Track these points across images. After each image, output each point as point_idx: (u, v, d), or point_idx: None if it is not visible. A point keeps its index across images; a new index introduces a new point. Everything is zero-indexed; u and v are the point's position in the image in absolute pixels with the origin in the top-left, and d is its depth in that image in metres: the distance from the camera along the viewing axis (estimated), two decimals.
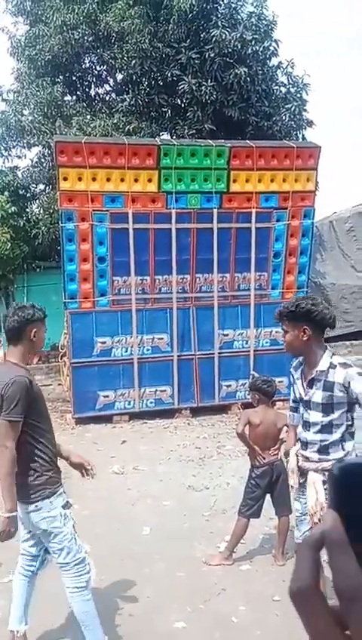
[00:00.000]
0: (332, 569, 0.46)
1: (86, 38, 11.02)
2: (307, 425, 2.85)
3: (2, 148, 12.32)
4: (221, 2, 10.97)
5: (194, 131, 10.48)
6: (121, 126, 10.64)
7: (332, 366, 2.75)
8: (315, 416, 2.79)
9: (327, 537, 0.47)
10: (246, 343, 8.63)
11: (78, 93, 12.57)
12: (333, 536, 0.47)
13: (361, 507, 0.48)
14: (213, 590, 3.50)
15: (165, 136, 11.16)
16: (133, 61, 10.54)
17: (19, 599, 2.92)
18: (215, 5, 10.75)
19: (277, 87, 11.33)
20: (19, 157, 12.72)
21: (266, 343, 8.38)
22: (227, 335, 8.61)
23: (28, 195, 12.67)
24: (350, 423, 2.81)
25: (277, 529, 3.87)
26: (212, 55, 10.16)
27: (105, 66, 12.19)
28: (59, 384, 10.49)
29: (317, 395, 2.78)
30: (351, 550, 0.46)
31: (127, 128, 10.57)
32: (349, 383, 2.69)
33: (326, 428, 2.76)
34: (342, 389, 2.71)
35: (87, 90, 12.75)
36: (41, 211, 11.66)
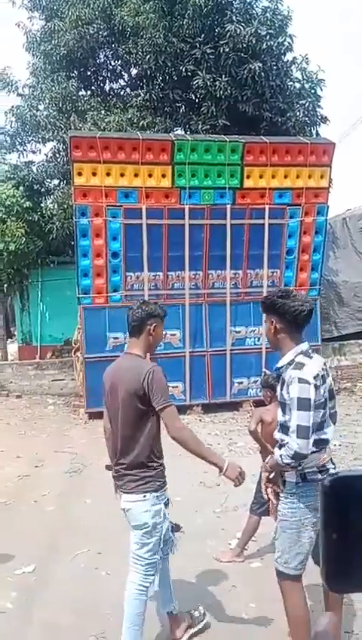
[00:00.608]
0: None
1: (101, 32, 11.01)
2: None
3: (17, 143, 12.36)
4: None
5: (208, 127, 10.43)
6: (135, 121, 10.62)
7: (290, 363, 2.62)
8: (279, 413, 2.69)
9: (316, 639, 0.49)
10: (259, 340, 8.62)
11: (93, 88, 12.56)
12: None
13: (352, 516, 0.49)
14: (223, 587, 3.53)
15: (179, 131, 11.13)
16: (148, 56, 10.51)
17: (163, 578, 2.93)
18: (229, 0, 10.67)
19: (291, 82, 11.22)
20: (33, 152, 12.76)
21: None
22: (239, 332, 8.62)
23: (42, 190, 12.71)
24: None
25: None
26: (226, 50, 10.09)
27: (119, 61, 12.17)
28: (73, 379, 10.57)
29: (278, 393, 2.69)
30: None
31: (141, 123, 10.55)
32: (289, 385, 2.54)
33: (283, 428, 2.59)
34: (286, 390, 2.58)
35: (101, 85, 12.74)
36: (56, 206, 11.69)
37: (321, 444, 2.60)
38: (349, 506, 0.48)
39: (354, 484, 0.49)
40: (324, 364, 2.72)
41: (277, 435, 2.67)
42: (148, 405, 2.68)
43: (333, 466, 2.69)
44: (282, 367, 2.65)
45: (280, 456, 2.54)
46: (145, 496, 2.72)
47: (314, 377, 2.53)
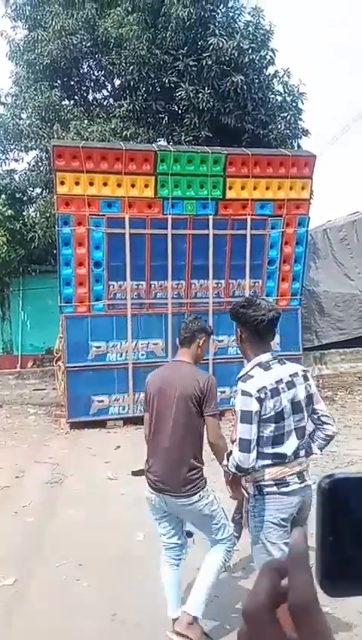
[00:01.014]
0: (289, 586, 0.47)
1: (84, 43, 11.07)
2: None
3: None
4: (218, 11, 11.05)
5: (190, 138, 10.53)
6: (118, 131, 10.67)
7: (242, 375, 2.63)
8: None
9: (290, 552, 0.49)
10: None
11: (76, 97, 12.59)
12: (293, 552, 0.49)
13: (348, 518, 0.50)
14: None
15: (162, 142, 11.21)
16: (131, 67, 10.59)
17: (175, 587, 3.09)
18: (212, 14, 10.82)
19: (273, 95, 11.39)
20: (16, 160, 12.71)
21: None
22: (222, 341, 8.65)
23: (25, 198, 12.66)
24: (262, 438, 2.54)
25: None
26: (209, 63, 10.22)
27: (103, 72, 12.23)
28: (54, 388, 10.48)
29: None
30: (308, 564, 0.48)
31: (124, 134, 10.60)
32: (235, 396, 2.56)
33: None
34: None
35: (84, 95, 12.78)
36: (38, 215, 11.65)
37: (276, 458, 2.54)
38: (346, 509, 0.50)
39: (352, 485, 0.51)
40: (292, 375, 2.62)
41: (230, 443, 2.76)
42: (201, 410, 2.94)
43: (299, 480, 2.59)
44: (241, 377, 2.64)
45: (226, 465, 2.63)
46: (200, 495, 2.94)
47: (258, 390, 2.49)
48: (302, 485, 2.61)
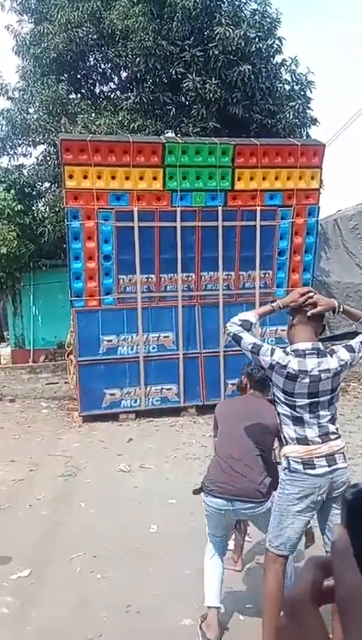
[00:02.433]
0: (335, 580, 0.48)
1: (90, 36, 11.03)
2: None
3: (8, 146, 12.36)
4: (224, 0, 10.95)
5: (198, 129, 10.48)
6: (125, 124, 10.65)
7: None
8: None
9: (332, 549, 0.49)
10: (262, 339, 8.64)
11: (83, 91, 12.58)
12: (338, 548, 0.49)
13: None
14: None
15: (170, 134, 11.16)
16: (138, 59, 10.54)
17: (219, 579, 3.14)
18: (218, 3, 10.72)
19: (281, 84, 11.30)
20: (24, 155, 12.77)
21: (271, 341, 8.35)
22: None
23: (34, 193, 12.72)
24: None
25: None
26: (216, 53, 10.14)
27: (109, 64, 12.20)
28: (66, 382, 10.56)
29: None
30: (354, 561, 0.48)
31: (131, 126, 10.58)
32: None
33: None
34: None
35: (91, 88, 12.77)
36: (47, 209, 11.70)
37: (300, 438, 2.73)
38: None
39: None
40: (322, 371, 2.72)
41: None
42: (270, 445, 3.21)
43: (328, 464, 2.70)
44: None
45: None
46: (265, 502, 3.06)
47: (279, 359, 2.70)
48: (330, 469, 2.69)
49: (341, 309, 2.86)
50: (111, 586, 3.63)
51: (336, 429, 2.81)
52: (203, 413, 8.31)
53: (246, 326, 2.80)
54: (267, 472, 3.11)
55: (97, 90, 12.81)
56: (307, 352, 2.72)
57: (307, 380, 2.68)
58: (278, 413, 2.84)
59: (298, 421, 2.72)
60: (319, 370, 2.70)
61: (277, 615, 2.73)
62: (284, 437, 2.79)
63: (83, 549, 4.14)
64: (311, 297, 2.81)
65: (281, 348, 2.81)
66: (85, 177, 7.86)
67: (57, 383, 11.34)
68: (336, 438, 2.77)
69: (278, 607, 2.74)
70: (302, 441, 2.71)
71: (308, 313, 2.77)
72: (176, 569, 3.78)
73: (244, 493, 3.02)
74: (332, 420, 2.80)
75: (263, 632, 2.76)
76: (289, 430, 2.76)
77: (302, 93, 11.11)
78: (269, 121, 10.88)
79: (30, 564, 3.93)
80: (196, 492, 3.31)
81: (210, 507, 3.14)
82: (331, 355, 2.77)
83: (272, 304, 2.94)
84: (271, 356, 2.70)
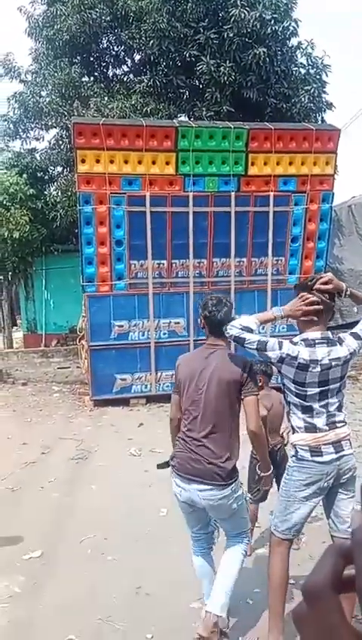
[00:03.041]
0: (356, 569, 0.47)
1: (104, 17, 10.90)
2: None
3: (20, 130, 12.32)
4: None
5: (212, 113, 10.36)
6: (138, 107, 10.56)
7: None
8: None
9: (353, 537, 0.48)
10: (263, 328, 8.60)
11: (96, 74, 12.47)
12: (359, 536, 0.48)
13: None
14: None
15: (183, 117, 11.05)
16: (151, 41, 10.41)
17: (210, 575, 2.98)
18: None
19: (296, 68, 11.11)
20: (37, 139, 12.72)
21: (283, 328, 8.34)
22: None
23: (46, 177, 12.68)
24: None
25: None
26: (231, 35, 9.99)
27: (122, 47, 12.06)
28: (78, 367, 10.62)
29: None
30: None
31: (144, 110, 10.48)
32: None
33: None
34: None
35: (104, 71, 12.65)
36: (59, 194, 11.67)
37: (308, 426, 2.73)
38: None
39: None
40: (333, 359, 2.70)
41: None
42: (240, 395, 2.77)
43: (335, 451, 2.71)
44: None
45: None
46: (232, 488, 2.75)
47: (288, 351, 2.68)
48: (337, 456, 2.71)
49: (347, 292, 2.85)
50: (122, 568, 3.68)
51: (343, 416, 2.82)
52: None
53: (247, 331, 2.75)
54: (231, 451, 2.78)
55: (110, 73, 12.69)
56: (317, 341, 2.72)
57: (318, 369, 2.68)
58: (287, 402, 2.85)
59: (307, 410, 2.73)
60: (329, 359, 2.70)
61: (284, 598, 2.78)
62: (292, 426, 2.80)
63: (94, 531, 4.20)
64: (314, 299, 2.77)
65: (287, 339, 2.79)
66: (98, 161, 7.82)
67: (69, 367, 11.41)
68: (342, 426, 2.78)
69: (284, 590, 2.80)
70: (310, 429, 2.72)
71: (312, 299, 2.76)
72: (186, 552, 3.81)
73: (200, 473, 2.72)
74: (340, 408, 2.81)
75: (270, 614, 2.79)
76: (297, 419, 2.76)
77: (318, 76, 10.92)
78: (284, 106, 10.73)
79: (42, 545, 3.99)
80: (160, 466, 3.03)
81: (174, 488, 2.86)
82: (340, 344, 2.76)
83: (274, 312, 2.86)
84: (280, 349, 2.69)
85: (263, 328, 2.92)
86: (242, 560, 2.93)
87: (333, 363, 2.71)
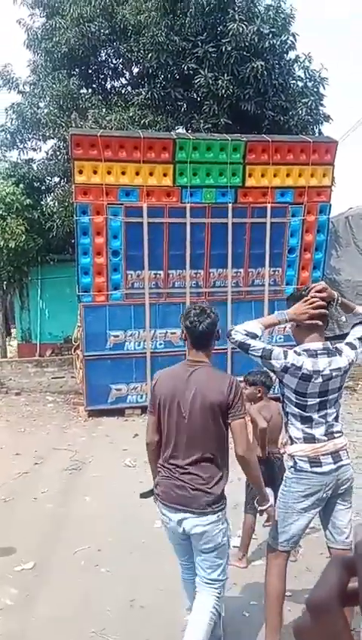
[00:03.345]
0: (359, 581, 0.46)
1: (102, 30, 11.00)
2: None
3: (18, 140, 12.37)
4: None
5: (210, 125, 10.43)
6: (136, 119, 10.62)
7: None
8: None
9: (357, 550, 0.47)
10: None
11: (94, 86, 12.56)
12: (361, 549, 0.47)
13: None
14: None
15: (181, 130, 11.13)
16: (150, 54, 10.50)
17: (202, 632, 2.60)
18: None
19: (293, 81, 11.22)
20: (34, 149, 12.78)
21: (280, 339, 8.33)
22: None
23: (43, 187, 12.72)
24: None
25: None
26: (229, 49, 10.08)
27: (121, 59, 12.17)
28: (72, 377, 10.56)
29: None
30: None
31: (142, 122, 10.55)
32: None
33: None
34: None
35: (102, 83, 12.74)
36: (56, 204, 11.70)
37: (307, 437, 2.70)
38: None
39: None
40: (334, 370, 2.68)
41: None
42: (227, 418, 2.55)
43: (334, 461, 2.68)
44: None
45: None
46: (218, 515, 2.55)
47: (293, 361, 2.64)
48: (336, 466, 2.69)
49: (339, 302, 2.83)
50: (115, 580, 3.62)
51: (341, 426, 2.81)
52: None
53: (252, 337, 2.70)
54: (218, 476, 2.58)
55: (108, 86, 12.78)
56: (318, 351, 2.71)
57: (320, 380, 2.67)
58: (286, 413, 2.81)
59: (306, 421, 2.71)
60: (330, 370, 2.69)
61: (281, 610, 2.74)
62: (290, 436, 2.77)
63: (87, 542, 4.13)
64: (320, 303, 2.75)
65: (287, 348, 2.76)
66: (95, 172, 7.84)
67: (63, 377, 11.35)
68: (340, 436, 2.77)
69: (281, 602, 2.76)
70: (309, 439, 2.70)
71: (312, 310, 2.74)
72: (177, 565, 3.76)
73: (186, 500, 2.53)
74: (337, 418, 2.80)
75: (266, 627, 2.74)
76: (296, 430, 2.73)
77: (315, 89, 11.03)
78: (281, 118, 10.81)
79: (34, 557, 3.93)
80: (144, 495, 2.84)
81: (160, 517, 2.69)
82: (339, 354, 2.75)
83: (278, 316, 2.80)
84: (285, 359, 2.66)
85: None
86: (211, 621, 2.58)
87: (334, 373, 2.70)
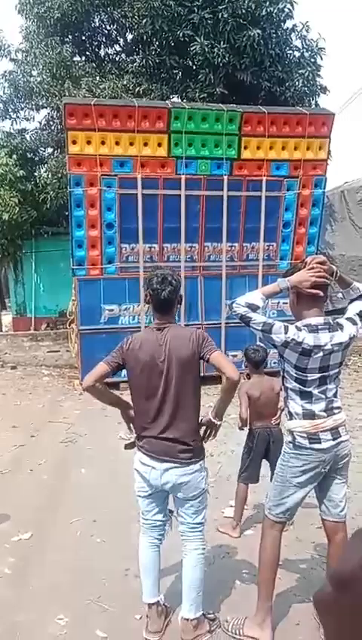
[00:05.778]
0: None
1: None
2: None
3: (10, 110, 12.12)
4: None
5: (205, 95, 10.24)
6: (130, 87, 10.41)
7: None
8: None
9: None
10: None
11: (88, 53, 12.26)
12: None
13: None
14: (216, 554, 3.59)
15: (176, 99, 10.91)
16: (144, 20, 10.23)
17: (155, 570, 2.89)
18: None
19: (290, 51, 10.98)
20: (27, 119, 12.52)
21: (273, 314, 8.32)
22: None
23: (36, 158, 12.50)
24: None
25: None
26: (225, 15, 9.83)
27: (115, 25, 11.85)
28: (67, 350, 10.57)
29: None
30: None
31: (136, 90, 10.34)
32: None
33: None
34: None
35: (96, 50, 12.43)
36: (50, 175, 11.51)
37: (307, 412, 2.70)
38: None
39: None
40: (335, 345, 2.68)
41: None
42: (199, 368, 2.72)
43: (333, 437, 2.69)
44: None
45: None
46: (201, 464, 2.74)
47: (294, 336, 2.62)
48: (335, 442, 2.70)
49: (337, 276, 2.82)
50: (110, 550, 3.69)
51: (340, 402, 2.81)
52: (203, 384, 8.31)
53: (253, 309, 2.69)
54: (197, 429, 2.74)
55: (102, 53, 12.48)
56: (319, 326, 2.69)
57: (320, 354, 2.65)
58: (286, 388, 2.81)
59: (306, 396, 2.71)
60: (332, 344, 2.68)
61: (273, 578, 2.80)
62: (289, 412, 2.77)
63: (83, 513, 4.21)
64: (323, 273, 2.72)
65: (288, 323, 2.73)
66: (88, 143, 7.72)
67: (58, 351, 11.37)
68: (339, 412, 2.77)
69: (274, 571, 2.81)
70: (309, 415, 2.70)
71: (312, 287, 2.71)
72: (174, 534, 3.83)
73: (171, 451, 2.68)
74: (336, 394, 2.80)
75: (259, 594, 2.81)
76: (295, 405, 2.73)
77: (313, 60, 10.81)
78: (278, 89, 10.62)
79: (31, 527, 4.00)
80: (128, 446, 2.98)
81: (138, 467, 2.79)
82: (341, 329, 2.74)
83: (281, 284, 2.74)
84: (286, 333, 2.64)
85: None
86: (202, 562, 2.84)
87: (335, 348, 2.69)
